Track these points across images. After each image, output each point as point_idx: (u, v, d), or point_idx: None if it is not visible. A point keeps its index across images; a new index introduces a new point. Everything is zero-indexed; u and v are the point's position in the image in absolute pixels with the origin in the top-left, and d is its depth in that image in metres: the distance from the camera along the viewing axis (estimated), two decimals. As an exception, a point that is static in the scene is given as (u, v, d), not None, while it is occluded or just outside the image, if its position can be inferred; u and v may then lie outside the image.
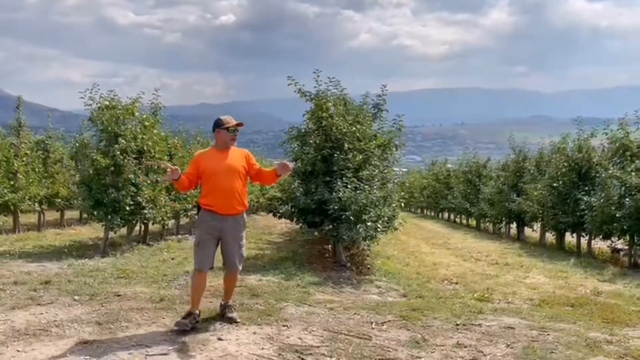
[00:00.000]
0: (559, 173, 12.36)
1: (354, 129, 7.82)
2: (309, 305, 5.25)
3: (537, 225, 14.97)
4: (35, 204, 11.91)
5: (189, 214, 11.86)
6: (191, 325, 4.27)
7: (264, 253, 9.22)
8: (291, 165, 4.71)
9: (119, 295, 5.35)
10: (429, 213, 32.36)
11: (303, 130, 8.39)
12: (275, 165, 4.75)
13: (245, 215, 4.71)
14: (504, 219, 16.88)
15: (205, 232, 4.51)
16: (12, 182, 10.95)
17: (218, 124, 4.59)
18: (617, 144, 11.17)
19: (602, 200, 9.92)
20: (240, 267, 4.65)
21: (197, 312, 4.42)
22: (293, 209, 8.17)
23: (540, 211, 13.27)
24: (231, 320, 4.54)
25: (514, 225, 16.83)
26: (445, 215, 27.40)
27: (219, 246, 4.56)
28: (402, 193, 8.45)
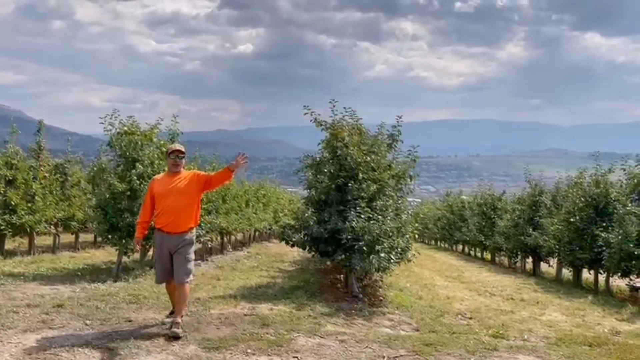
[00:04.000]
0: (575, 208, 12.18)
1: (368, 159, 7.84)
2: (320, 337, 5.18)
3: (553, 261, 14.69)
4: (51, 226, 12.02)
5: (201, 239, 11.87)
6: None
7: (275, 281, 9.17)
8: (242, 160, 4.91)
9: (130, 321, 5.34)
10: (442, 245, 32.00)
11: (317, 158, 8.43)
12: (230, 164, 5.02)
13: (194, 231, 5.08)
14: (519, 253, 16.62)
15: (158, 249, 5.04)
16: (29, 205, 11.09)
17: (167, 152, 5.18)
18: (635, 180, 11.03)
19: (620, 237, 9.74)
20: (187, 280, 4.93)
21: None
22: (306, 237, 8.14)
23: (557, 246, 13.04)
24: (173, 335, 4.66)
25: (529, 260, 16.55)
26: (460, 247, 27.07)
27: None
28: (416, 224, 8.38)
